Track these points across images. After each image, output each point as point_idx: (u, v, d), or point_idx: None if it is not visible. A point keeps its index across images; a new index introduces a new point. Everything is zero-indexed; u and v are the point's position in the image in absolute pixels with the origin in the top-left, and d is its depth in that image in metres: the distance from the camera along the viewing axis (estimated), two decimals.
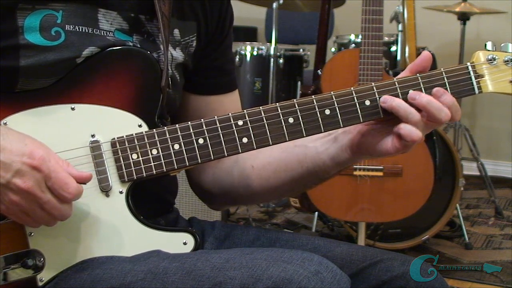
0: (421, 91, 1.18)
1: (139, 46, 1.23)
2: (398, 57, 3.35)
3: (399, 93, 1.18)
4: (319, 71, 3.03)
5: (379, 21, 2.69)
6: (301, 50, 3.90)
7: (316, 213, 3.29)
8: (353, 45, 3.48)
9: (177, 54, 1.30)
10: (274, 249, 1.14)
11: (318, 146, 1.27)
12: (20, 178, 1.04)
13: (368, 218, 2.89)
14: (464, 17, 4.10)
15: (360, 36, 2.84)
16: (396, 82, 1.18)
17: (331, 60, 3.03)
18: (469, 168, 4.30)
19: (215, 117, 1.17)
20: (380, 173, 2.78)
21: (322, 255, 1.11)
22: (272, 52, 3.68)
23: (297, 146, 1.29)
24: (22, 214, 1.07)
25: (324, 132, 1.19)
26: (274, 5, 3.68)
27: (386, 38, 3.34)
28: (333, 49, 3.70)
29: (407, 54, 3.23)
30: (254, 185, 1.34)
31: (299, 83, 3.76)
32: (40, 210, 1.06)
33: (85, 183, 1.10)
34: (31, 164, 1.04)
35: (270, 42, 3.73)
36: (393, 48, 3.39)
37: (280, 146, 1.28)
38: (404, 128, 1.15)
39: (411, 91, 1.17)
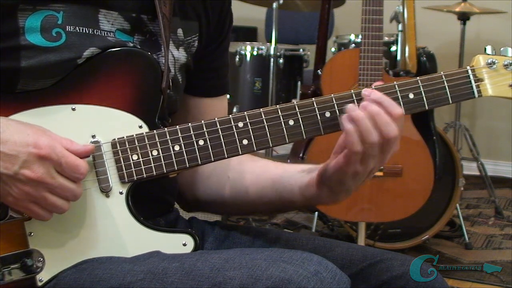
0: (421, 94, 1.19)
1: (139, 46, 1.23)
2: (398, 57, 3.34)
3: (399, 96, 1.19)
4: (319, 71, 3.03)
5: (379, 21, 2.68)
6: (301, 50, 3.88)
7: (316, 213, 3.29)
8: (353, 45, 3.47)
9: (180, 54, 1.30)
10: (273, 249, 1.15)
11: (295, 173, 1.27)
12: (28, 169, 1.05)
13: (368, 218, 2.89)
14: (464, 17, 4.10)
15: (360, 36, 2.83)
16: (396, 85, 1.19)
17: (331, 60, 3.03)
18: (469, 168, 4.29)
19: (215, 118, 1.18)
20: (380, 173, 2.78)
21: (322, 255, 1.11)
22: (272, 52, 3.67)
23: (278, 168, 1.31)
24: (31, 204, 1.07)
25: (323, 134, 1.19)
26: (274, 5, 3.67)
27: (386, 38, 3.32)
28: (333, 49, 3.69)
29: (407, 54, 3.22)
30: (226, 195, 1.36)
31: (299, 83, 3.75)
32: (51, 196, 1.07)
33: (89, 156, 1.12)
34: (39, 154, 1.05)
35: (270, 42, 3.71)
36: (393, 48, 3.38)
37: (263, 161, 1.32)
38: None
39: (348, 105, 1.15)
